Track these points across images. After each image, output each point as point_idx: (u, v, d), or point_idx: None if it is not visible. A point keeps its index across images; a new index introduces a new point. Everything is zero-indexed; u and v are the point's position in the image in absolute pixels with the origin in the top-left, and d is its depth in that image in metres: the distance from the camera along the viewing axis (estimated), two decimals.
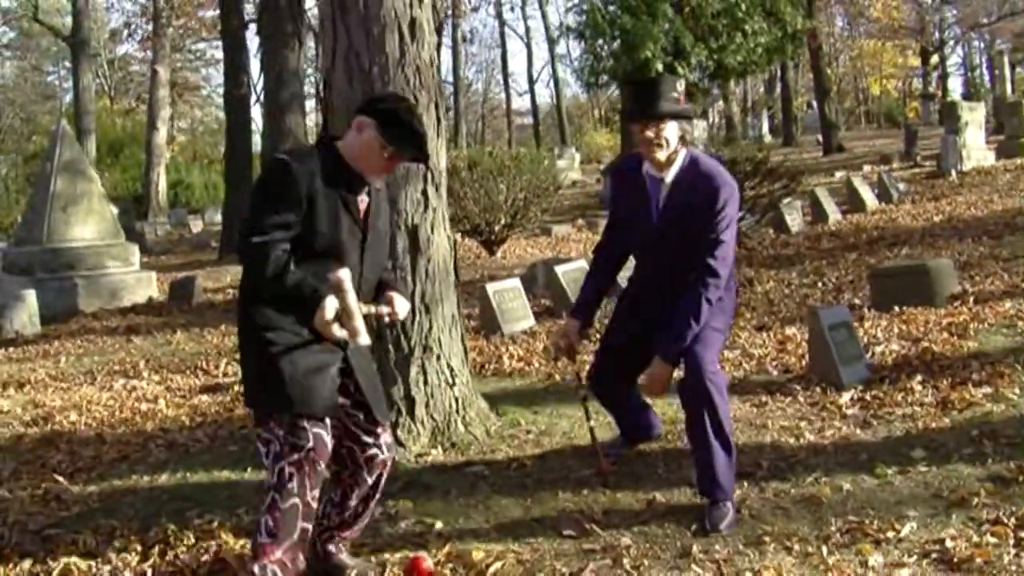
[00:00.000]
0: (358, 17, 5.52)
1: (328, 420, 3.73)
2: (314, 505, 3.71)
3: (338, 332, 3.54)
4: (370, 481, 3.97)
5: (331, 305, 3.50)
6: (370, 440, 3.92)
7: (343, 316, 3.53)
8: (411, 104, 3.99)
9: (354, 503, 4.00)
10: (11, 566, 4.43)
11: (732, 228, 4.61)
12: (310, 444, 3.63)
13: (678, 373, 4.62)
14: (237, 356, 4.05)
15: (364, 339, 3.61)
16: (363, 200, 3.80)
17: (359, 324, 3.56)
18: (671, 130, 4.54)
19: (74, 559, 4.40)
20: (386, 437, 3.96)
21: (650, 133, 4.53)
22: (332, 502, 4.03)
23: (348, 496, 3.99)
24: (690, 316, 4.48)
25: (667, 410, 6.03)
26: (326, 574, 4.04)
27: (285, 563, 3.64)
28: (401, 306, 3.86)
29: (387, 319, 3.85)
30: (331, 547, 4.07)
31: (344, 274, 3.55)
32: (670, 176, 4.64)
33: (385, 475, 4.02)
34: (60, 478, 5.75)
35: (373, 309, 3.75)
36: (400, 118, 3.71)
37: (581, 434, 5.76)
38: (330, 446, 3.72)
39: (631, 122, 4.70)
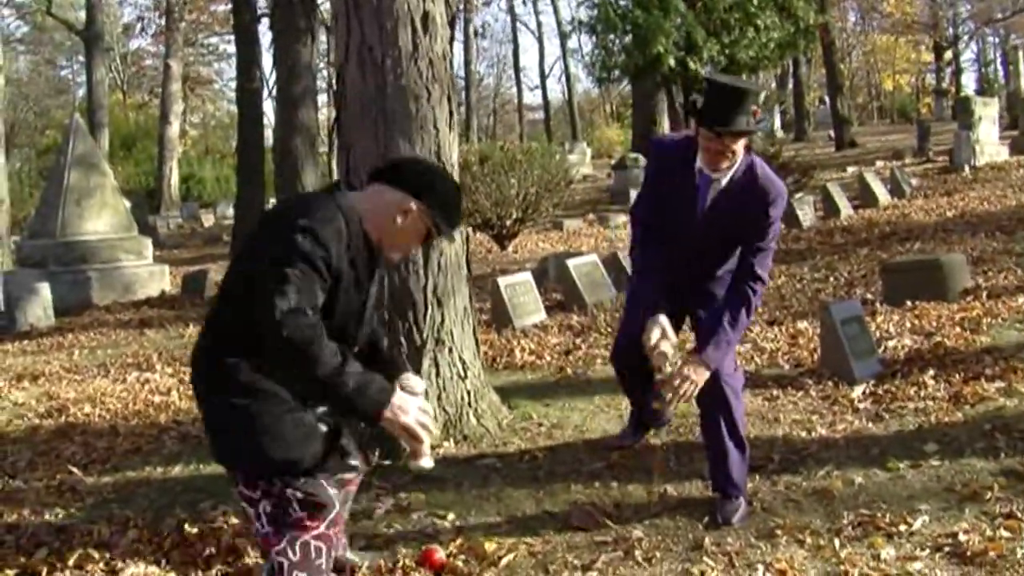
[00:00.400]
0: (371, 11, 5.52)
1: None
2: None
3: (413, 428, 3.18)
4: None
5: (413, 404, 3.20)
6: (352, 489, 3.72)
7: (416, 434, 3.20)
8: (456, 184, 3.69)
9: None
10: (27, 556, 4.46)
11: (777, 237, 4.56)
12: (335, 507, 3.31)
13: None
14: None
15: (428, 462, 3.35)
16: (376, 272, 3.50)
17: (427, 446, 3.28)
18: (741, 144, 4.33)
19: (89, 549, 4.42)
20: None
21: (720, 146, 4.29)
22: None
23: None
24: (735, 324, 4.37)
25: (679, 404, 6.04)
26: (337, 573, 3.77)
27: None
28: (420, 388, 3.49)
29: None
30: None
31: (419, 387, 3.40)
32: (725, 179, 4.42)
33: (354, 491, 3.83)
34: (75, 469, 5.78)
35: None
36: (456, 204, 3.48)
37: (592, 427, 5.78)
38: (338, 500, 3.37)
39: (705, 127, 4.30)
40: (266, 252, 3.15)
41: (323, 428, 3.29)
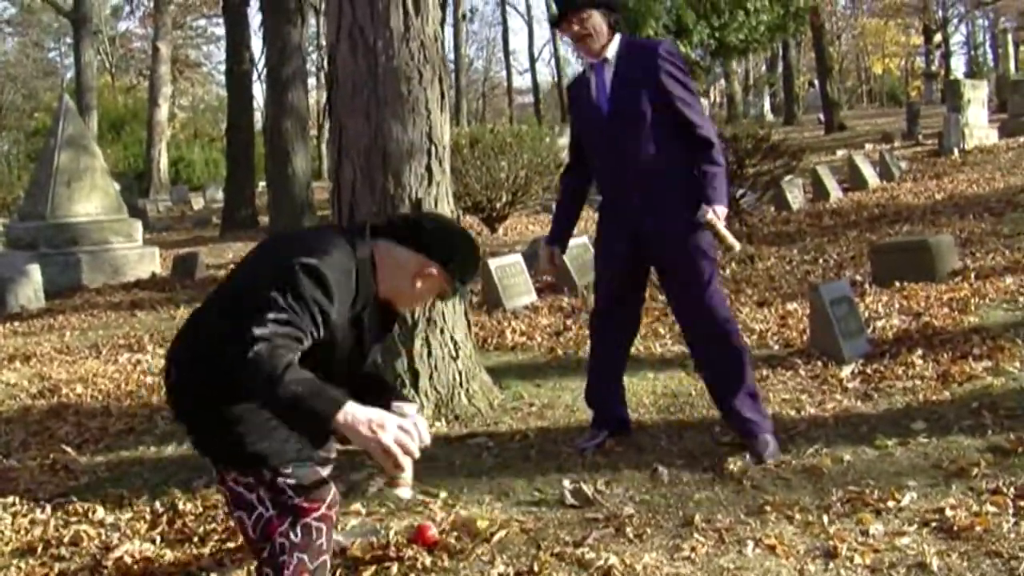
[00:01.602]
0: None
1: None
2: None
3: (392, 450, 2.80)
4: None
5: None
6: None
7: (397, 459, 2.83)
8: (473, 238, 3.53)
9: None
10: (22, 533, 4.49)
11: (691, 86, 4.71)
12: (332, 488, 3.25)
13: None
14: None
15: (406, 492, 3.09)
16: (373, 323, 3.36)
17: (408, 475, 2.95)
18: (596, 19, 4.62)
19: (84, 527, 4.45)
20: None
21: (576, 27, 4.62)
22: None
23: None
24: (712, 162, 4.60)
25: (668, 383, 6.10)
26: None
27: None
28: (410, 411, 3.20)
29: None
30: None
31: (411, 411, 3.16)
32: (611, 56, 4.70)
33: None
34: (68, 449, 5.80)
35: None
36: (476, 265, 3.44)
37: (583, 407, 5.80)
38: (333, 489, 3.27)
39: (556, 27, 4.80)
40: (265, 277, 3.00)
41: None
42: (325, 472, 3.27)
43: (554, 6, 4.85)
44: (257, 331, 2.81)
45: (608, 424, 5.18)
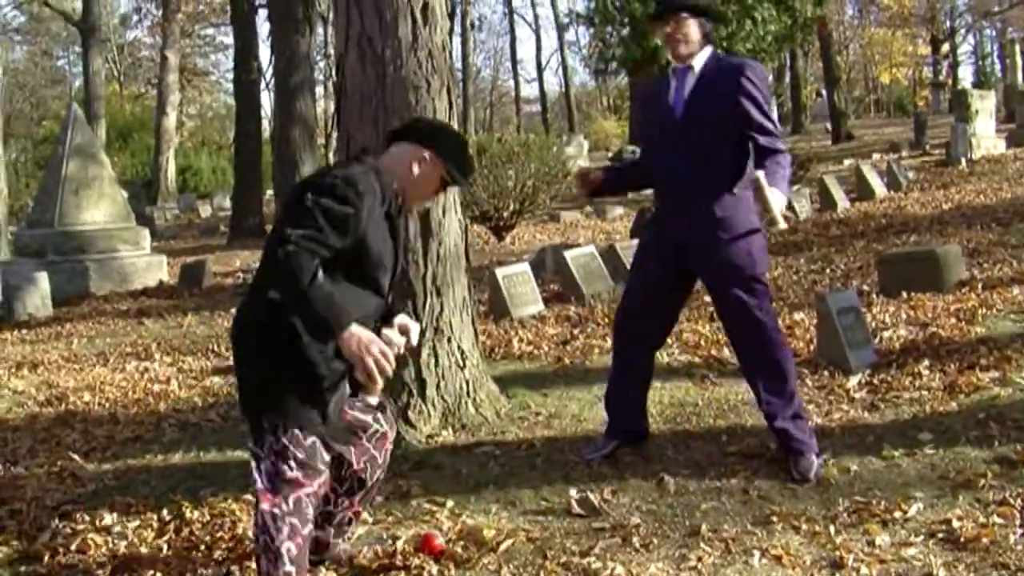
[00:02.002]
0: (371, 2, 5.54)
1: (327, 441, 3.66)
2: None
3: (369, 366, 3.35)
4: (380, 459, 3.93)
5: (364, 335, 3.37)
6: (368, 419, 3.85)
7: (372, 373, 3.40)
8: (465, 136, 4.06)
9: (370, 483, 3.97)
10: (29, 541, 4.50)
11: (773, 111, 4.73)
12: (325, 472, 3.66)
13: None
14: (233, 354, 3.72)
15: (373, 400, 3.78)
16: (400, 226, 3.78)
17: (380, 386, 3.72)
18: (691, 26, 4.63)
19: (91, 534, 4.46)
20: (385, 414, 3.92)
21: (668, 28, 4.63)
22: (349, 489, 3.94)
23: (362, 479, 3.92)
24: (782, 165, 4.59)
25: (675, 393, 6.10)
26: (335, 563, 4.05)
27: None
28: (415, 333, 3.87)
29: (403, 349, 3.79)
30: (341, 536, 4.08)
31: (399, 340, 3.69)
32: (698, 65, 4.69)
33: (390, 448, 3.99)
34: (75, 456, 5.82)
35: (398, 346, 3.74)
36: (464, 153, 3.86)
37: (590, 417, 5.81)
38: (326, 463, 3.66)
39: (654, 22, 4.80)
40: (300, 193, 3.49)
41: (327, 385, 3.54)
42: (344, 444, 3.74)
43: (656, 4, 4.85)
44: (292, 233, 3.32)
45: (619, 435, 5.14)
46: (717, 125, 4.62)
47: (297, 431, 3.51)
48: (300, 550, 3.54)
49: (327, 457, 3.66)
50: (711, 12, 4.80)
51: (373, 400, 3.81)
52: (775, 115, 4.83)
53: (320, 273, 3.35)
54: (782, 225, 4.57)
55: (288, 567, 3.48)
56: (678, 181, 4.72)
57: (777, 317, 7.97)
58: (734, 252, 4.63)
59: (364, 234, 3.49)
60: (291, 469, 3.50)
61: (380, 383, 3.62)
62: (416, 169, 3.73)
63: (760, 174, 4.45)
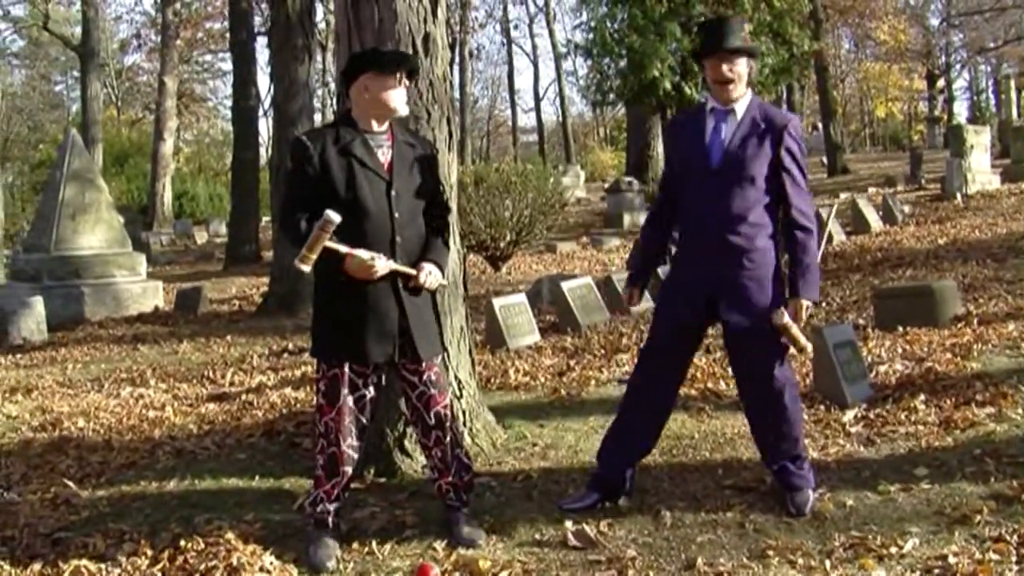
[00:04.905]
0: (372, 31, 5.57)
1: (353, 370, 4.38)
2: (352, 453, 4.45)
3: (304, 265, 4.15)
4: (431, 422, 4.46)
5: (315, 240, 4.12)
6: (415, 379, 4.47)
7: (306, 250, 4.12)
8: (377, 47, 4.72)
9: (432, 448, 4.56)
10: (22, 568, 4.48)
11: (805, 169, 4.64)
12: (340, 402, 4.37)
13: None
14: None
15: (306, 268, 4.19)
16: (384, 153, 4.39)
17: (312, 258, 4.16)
18: (743, 66, 4.56)
19: (84, 562, 4.44)
20: (430, 375, 4.47)
21: (725, 67, 4.53)
22: (427, 453, 4.63)
23: (428, 444, 4.56)
24: (805, 250, 4.57)
25: (671, 426, 6.08)
26: (447, 523, 4.62)
27: (331, 494, 4.46)
28: (429, 279, 4.38)
29: (411, 283, 4.35)
30: (447, 503, 4.64)
31: (331, 215, 4.07)
32: (740, 109, 4.60)
33: (444, 412, 4.52)
34: (69, 483, 5.79)
35: (402, 268, 4.32)
36: (372, 49, 4.52)
37: (586, 448, 5.80)
38: (347, 396, 4.38)
39: (704, 59, 4.63)
40: None
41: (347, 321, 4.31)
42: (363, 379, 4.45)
43: (708, 40, 4.63)
44: (286, 217, 4.28)
45: (602, 488, 4.92)
46: (755, 175, 4.52)
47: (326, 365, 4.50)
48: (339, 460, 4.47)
49: (344, 391, 4.43)
50: (756, 52, 4.77)
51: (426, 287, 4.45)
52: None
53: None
54: (810, 351, 4.77)
55: None
56: (710, 229, 4.57)
57: None
58: (762, 303, 4.54)
59: (321, 172, 4.24)
60: (320, 397, 4.49)
61: (312, 255, 4.14)
62: (366, 94, 4.33)
63: (785, 317, 4.46)
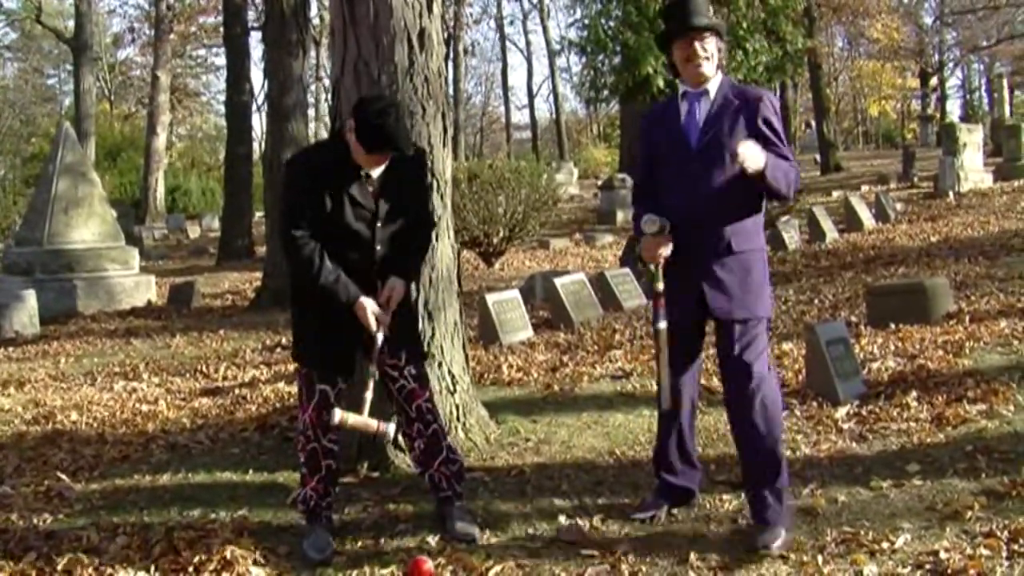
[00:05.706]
0: (368, 27, 5.56)
1: (336, 380, 4.48)
2: (331, 446, 4.55)
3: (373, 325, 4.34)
4: (413, 415, 4.57)
5: (369, 305, 4.34)
6: (395, 374, 4.56)
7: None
8: (385, 106, 4.30)
9: (415, 439, 4.65)
10: (15, 561, 4.48)
11: (783, 135, 4.50)
12: (316, 399, 4.45)
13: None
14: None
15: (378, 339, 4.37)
16: (374, 183, 4.39)
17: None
18: (712, 44, 4.46)
19: (78, 554, 4.44)
20: (410, 369, 4.58)
21: (697, 45, 4.40)
22: (410, 445, 4.75)
23: (411, 435, 4.66)
24: (788, 172, 4.36)
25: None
26: (441, 518, 4.67)
27: (319, 490, 4.54)
28: (392, 298, 4.45)
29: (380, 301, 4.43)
30: (440, 495, 4.69)
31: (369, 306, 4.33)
32: (713, 90, 4.48)
33: (425, 405, 4.62)
34: (63, 476, 5.79)
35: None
36: (370, 123, 4.21)
37: (579, 443, 5.82)
38: (323, 393, 4.46)
39: (672, 41, 4.50)
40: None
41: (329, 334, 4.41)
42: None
43: (674, 21, 4.50)
44: (293, 229, 4.32)
45: (670, 496, 4.76)
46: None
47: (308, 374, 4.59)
48: (319, 455, 4.58)
49: (322, 386, 4.52)
50: (723, 30, 4.67)
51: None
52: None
53: (323, 256, 4.30)
54: (751, 169, 4.20)
55: None
56: (696, 212, 4.41)
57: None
58: (749, 290, 4.41)
59: (315, 197, 4.29)
60: (300, 396, 4.63)
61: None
62: (352, 138, 4.28)
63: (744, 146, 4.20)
